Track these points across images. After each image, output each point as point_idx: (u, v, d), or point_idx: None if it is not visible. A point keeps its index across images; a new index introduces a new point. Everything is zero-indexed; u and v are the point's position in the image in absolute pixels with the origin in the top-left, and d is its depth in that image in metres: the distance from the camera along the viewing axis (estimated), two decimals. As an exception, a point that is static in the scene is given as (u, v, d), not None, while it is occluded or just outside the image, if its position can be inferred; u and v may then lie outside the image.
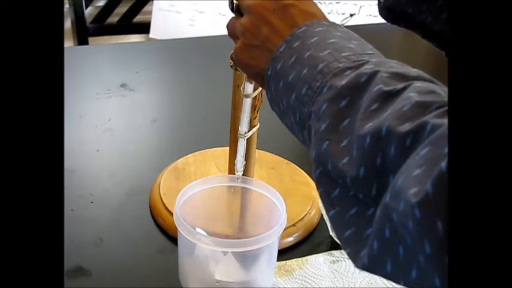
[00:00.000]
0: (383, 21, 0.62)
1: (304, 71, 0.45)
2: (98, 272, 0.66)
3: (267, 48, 0.49)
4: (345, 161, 0.39)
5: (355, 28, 0.49)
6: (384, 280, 0.61)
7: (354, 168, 0.39)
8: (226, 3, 0.56)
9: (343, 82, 0.42)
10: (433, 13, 0.56)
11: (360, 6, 1.71)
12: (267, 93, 0.50)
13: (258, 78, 0.52)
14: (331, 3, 1.68)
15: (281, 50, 0.48)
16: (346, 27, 0.49)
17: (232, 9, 0.55)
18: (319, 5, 0.50)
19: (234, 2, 0.54)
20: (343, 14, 1.69)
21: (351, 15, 1.69)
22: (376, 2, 0.61)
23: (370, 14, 1.70)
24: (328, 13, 1.67)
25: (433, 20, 0.56)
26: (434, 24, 0.56)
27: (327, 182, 0.42)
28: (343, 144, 0.40)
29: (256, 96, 0.65)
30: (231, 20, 0.56)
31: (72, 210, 0.74)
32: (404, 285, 0.36)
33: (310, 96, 0.44)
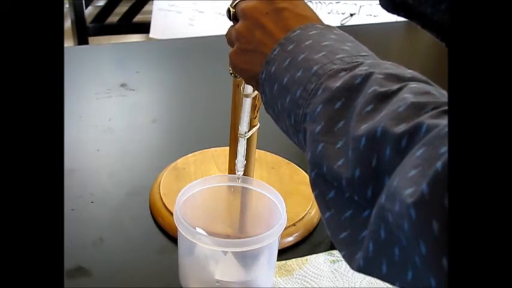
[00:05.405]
0: (383, 21, 0.62)
1: (299, 74, 0.45)
2: (98, 272, 0.66)
3: (261, 51, 0.49)
4: (340, 162, 0.39)
5: (355, 28, 0.49)
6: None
7: (349, 170, 0.38)
8: (226, 3, 0.56)
9: (338, 84, 0.42)
10: (432, 4, 0.56)
11: (360, 6, 1.71)
12: (261, 97, 0.50)
13: (253, 82, 0.52)
14: (331, 3, 1.68)
15: (275, 53, 0.48)
16: (346, 27, 0.49)
17: (229, 17, 0.55)
18: (319, 5, 0.50)
19: (231, 10, 0.54)
20: (343, 13, 1.69)
21: (351, 15, 1.69)
22: (376, 2, 0.61)
23: (370, 13, 1.70)
24: (328, 13, 1.67)
25: (433, 10, 0.56)
26: (434, 14, 0.56)
27: (323, 184, 0.41)
28: (338, 145, 0.40)
29: (256, 96, 0.65)
30: (229, 28, 0.56)
31: (72, 210, 0.74)
32: (400, 286, 0.36)
33: (304, 99, 0.44)
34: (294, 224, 0.72)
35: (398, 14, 0.60)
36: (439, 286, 0.31)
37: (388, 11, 0.60)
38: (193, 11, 1.74)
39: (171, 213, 0.69)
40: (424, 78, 0.41)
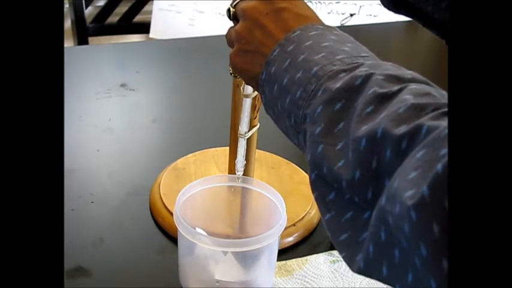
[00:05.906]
0: (383, 21, 0.62)
1: (299, 75, 0.45)
2: (98, 272, 0.66)
3: (260, 52, 0.49)
4: (340, 164, 0.39)
5: (355, 28, 0.49)
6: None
7: (349, 172, 0.38)
8: (226, 3, 0.56)
9: (338, 85, 0.42)
10: (433, 2, 0.56)
11: (360, 6, 1.71)
12: (261, 97, 0.50)
13: (253, 82, 0.52)
14: (331, 3, 1.68)
15: (275, 53, 0.47)
16: (346, 27, 0.49)
17: (229, 17, 0.55)
18: (319, 5, 0.50)
19: (231, 9, 0.54)
20: (343, 14, 1.69)
21: (351, 15, 1.69)
22: (376, 2, 0.61)
23: (370, 14, 1.70)
24: (328, 13, 1.67)
25: (434, 8, 0.56)
26: (435, 13, 0.56)
27: (323, 185, 0.41)
28: (339, 147, 0.40)
29: (256, 96, 0.65)
30: (229, 29, 0.56)
31: (72, 210, 0.74)
32: None
33: (304, 100, 0.44)
34: (294, 224, 0.72)
35: (399, 13, 0.60)
36: None
37: (389, 9, 0.60)
38: (193, 11, 1.74)
39: (171, 213, 0.69)
40: (424, 79, 0.41)
